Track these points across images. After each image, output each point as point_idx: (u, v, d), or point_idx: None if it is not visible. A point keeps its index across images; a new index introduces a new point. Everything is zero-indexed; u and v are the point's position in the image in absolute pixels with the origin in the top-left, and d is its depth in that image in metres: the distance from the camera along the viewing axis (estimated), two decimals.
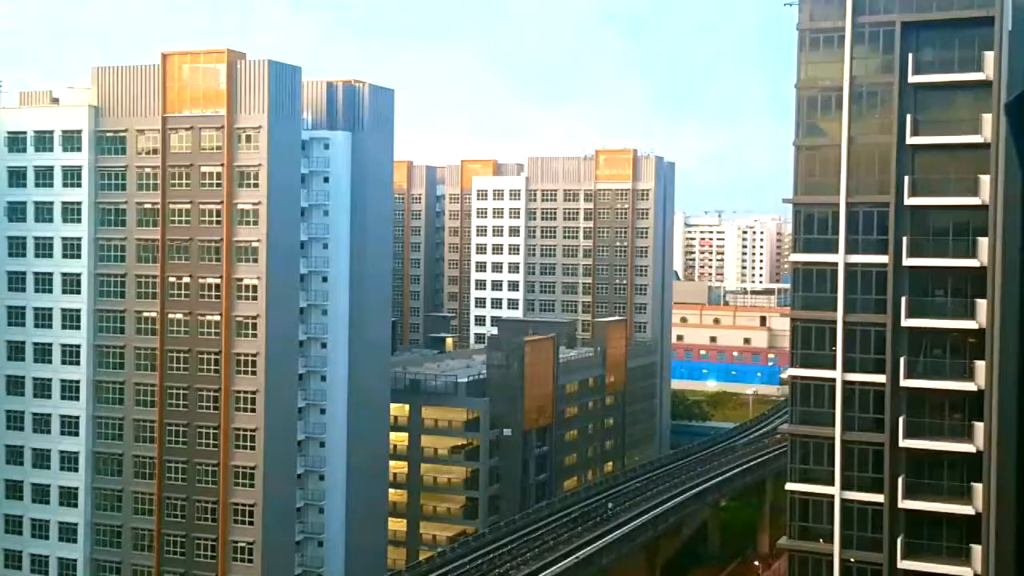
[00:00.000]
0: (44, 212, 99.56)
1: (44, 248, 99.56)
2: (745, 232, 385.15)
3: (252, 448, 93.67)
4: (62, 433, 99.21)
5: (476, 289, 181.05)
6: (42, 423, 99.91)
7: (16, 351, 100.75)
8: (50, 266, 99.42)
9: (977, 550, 60.85)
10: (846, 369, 64.52)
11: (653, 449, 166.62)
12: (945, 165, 63.24)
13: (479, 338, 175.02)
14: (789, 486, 67.31)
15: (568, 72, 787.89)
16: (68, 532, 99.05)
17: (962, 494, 61.97)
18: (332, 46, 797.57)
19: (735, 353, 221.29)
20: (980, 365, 60.76)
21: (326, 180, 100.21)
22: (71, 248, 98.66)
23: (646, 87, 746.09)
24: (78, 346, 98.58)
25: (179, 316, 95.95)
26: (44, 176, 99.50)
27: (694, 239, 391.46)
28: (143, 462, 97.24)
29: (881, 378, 63.65)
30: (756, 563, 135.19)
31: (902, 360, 62.70)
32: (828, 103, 65.24)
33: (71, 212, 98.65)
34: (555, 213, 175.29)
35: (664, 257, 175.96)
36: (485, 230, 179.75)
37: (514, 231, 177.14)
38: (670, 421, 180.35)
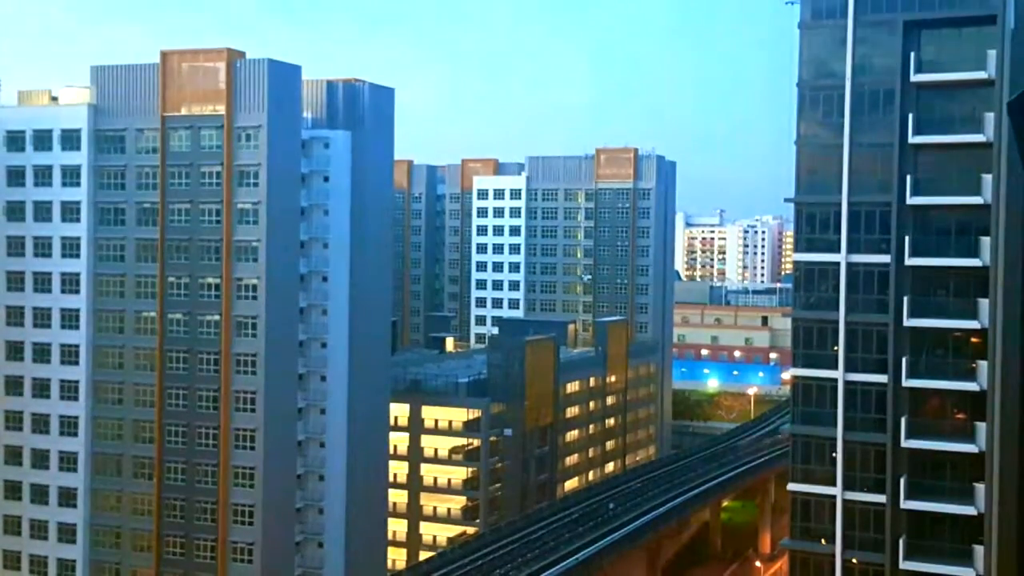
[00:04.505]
0: (43, 212, 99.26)
1: (43, 248, 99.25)
2: (746, 232, 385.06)
3: (252, 448, 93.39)
4: (61, 433, 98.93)
5: (477, 289, 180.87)
6: (41, 423, 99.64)
7: (15, 351, 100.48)
8: (49, 266, 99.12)
9: (979, 551, 60.55)
10: (848, 369, 64.24)
11: (655, 449, 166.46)
12: (947, 164, 62.95)
13: (480, 338, 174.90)
14: (791, 486, 67.06)
15: (568, 71, 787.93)
16: (67, 533, 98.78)
17: (964, 494, 61.66)
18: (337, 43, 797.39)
19: (736, 353, 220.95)
20: (983, 365, 60.45)
21: (326, 180, 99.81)
22: (70, 248, 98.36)
23: (646, 86, 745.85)
24: (77, 346, 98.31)
25: (178, 316, 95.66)
26: (43, 175, 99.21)
27: (695, 239, 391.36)
28: (142, 462, 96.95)
29: (883, 378, 63.36)
30: (758, 563, 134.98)
31: (904, 360, 62.42)
32: (830, 102, 64.94)
33: (70, 212, 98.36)
34: (556, 213, 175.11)
35: (665, 257, 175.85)
36: (486, 230, 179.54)
37: (515, 231, 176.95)
38: (671, 421, 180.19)
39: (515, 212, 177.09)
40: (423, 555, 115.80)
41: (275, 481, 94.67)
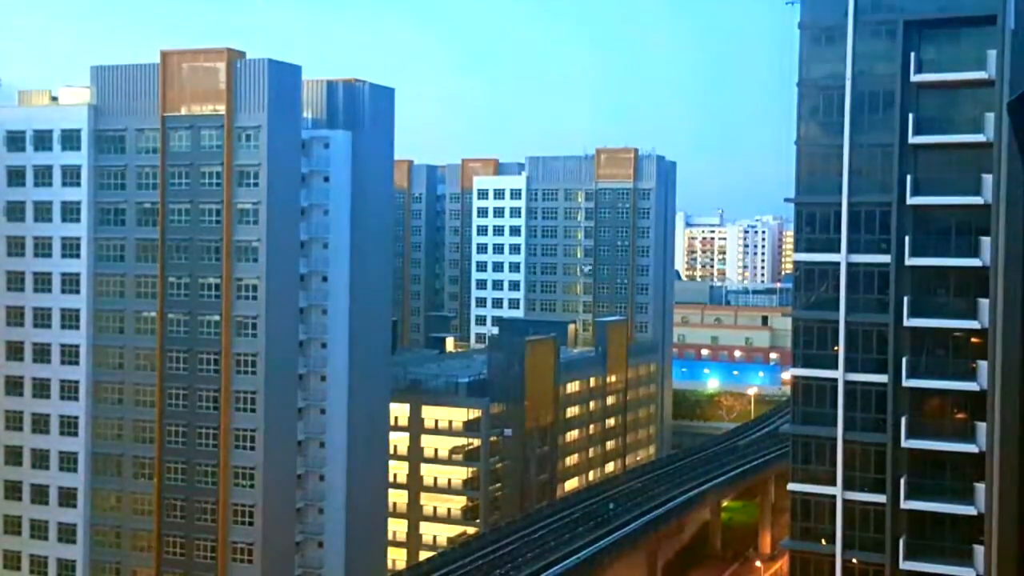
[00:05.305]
0: (43, 212, 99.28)
1: (43, 248, 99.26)
2: (746, 232, 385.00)
3: (252, 448, 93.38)
4: (61, 433, 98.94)
5: (477, 289, 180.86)
6: (41, 423, 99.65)
7: (15, 351, 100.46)
8: (49, 266, 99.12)
9: (979, 551, 60.55)
10: (848, 369, 64.19)
11: (655, 449, 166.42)
12: (947, 164, 62.89)
13: (480, 338, 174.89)
14: (791, 486, 67.02)
15: (569, 71, 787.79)
16: (67, 533, 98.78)
17: (964, 494, 61.63)
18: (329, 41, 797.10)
19: (736, 353, 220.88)
20: (983, 365, 60.42)
21: (326, 180, 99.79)
22: (70, 248, 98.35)
23: (646, 86, 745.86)
24: (77, 346, 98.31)
25: (178, 316, 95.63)
26: (43, 175, 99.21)
27: (695, 239, 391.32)
28: (142, 462, 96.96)
29: (883, 378, 63.32)
30: (758, 563, 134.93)
31: (904, 360, 62.37)
32: (830, 102, 64.89)
33: (70, 212, 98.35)
34: (556, 213, 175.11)
35: (665, 257, 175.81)
36: (486, 230, 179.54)
37: (515, 231, 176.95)
38: (671, 421, 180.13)
39: (515, 212, 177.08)
40: (423, 555, 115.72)
41: (275, 481, 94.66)
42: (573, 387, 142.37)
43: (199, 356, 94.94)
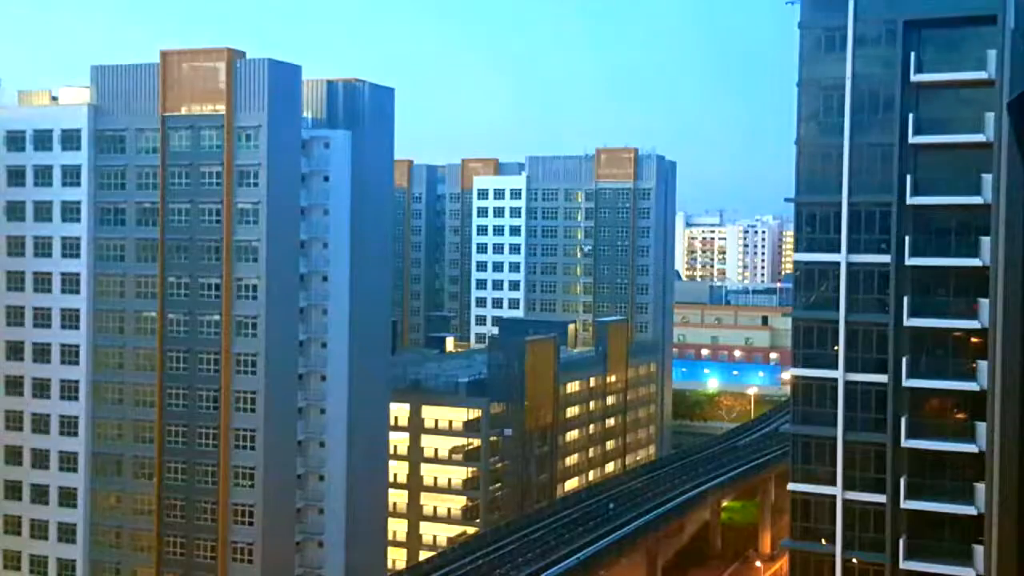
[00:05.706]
0: (43, 212, 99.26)
1: (43, 248, 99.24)
2: (746, 232, 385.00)
3: (252, 448, 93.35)
4: (61, 433, 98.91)
5: (477, 289, 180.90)
6: (41, 423, 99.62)
7: (15, 351, 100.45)
8: (49, 266, 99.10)
9: (979, 551, 60.57)
10: (848, 369, 64.23)
11: (655, 449, 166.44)
12: (948, 164, 62.89)
13: (480, 338, 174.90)
14: (791, 486, 67.05)
15: (569, 70, 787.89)
16: (67, 533, 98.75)
17: (964, 494, 61.67)
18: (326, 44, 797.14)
19: (736, 353, 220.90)
20: (983, 365, 60.44)
21: (326, 179, 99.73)
22: (70, 248, 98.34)
23: (647, 85, 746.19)
24: (77, 346, 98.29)
25: (178, 316, 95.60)
26: (43, 175, 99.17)
27: (695, 239, 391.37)
28: (142, 462, 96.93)
29: (883, 378, 63.34)
30: (758, 563, 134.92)
31: (904, 360, 62.40)
32: (830, 101, 64.91)
33: (70, 212, 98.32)
34: (556, 213, 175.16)
35: (665, 257, 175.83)
36: (486, 229, 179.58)
37: (515, 230, 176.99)
38: (671, 421, 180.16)
39: (515, 212, 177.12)
40: (423, 555, 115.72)
41: (275, 481, 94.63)
42: (573, 387, 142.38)
43: (199, 356, 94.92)
